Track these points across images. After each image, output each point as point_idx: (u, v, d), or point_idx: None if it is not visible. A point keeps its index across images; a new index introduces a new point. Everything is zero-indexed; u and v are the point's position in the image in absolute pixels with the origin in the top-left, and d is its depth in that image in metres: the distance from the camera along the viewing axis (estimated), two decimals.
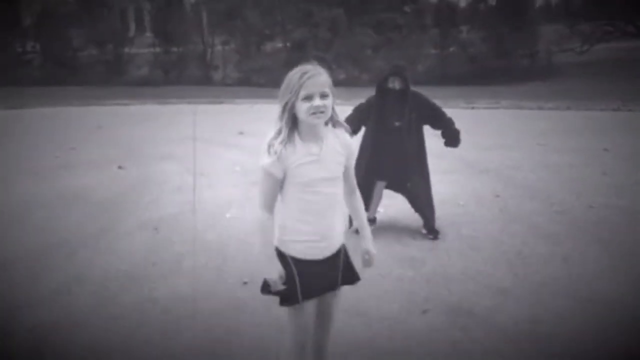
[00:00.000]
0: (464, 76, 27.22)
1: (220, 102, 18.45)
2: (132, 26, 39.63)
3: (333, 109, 2.32)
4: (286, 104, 2.27)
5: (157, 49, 34.86)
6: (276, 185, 2.32)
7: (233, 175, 7.56)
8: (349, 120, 4.53)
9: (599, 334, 3.35)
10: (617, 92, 17.31)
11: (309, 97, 2.23)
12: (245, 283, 4.13)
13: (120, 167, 8.08)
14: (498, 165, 7.66)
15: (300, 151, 2.30)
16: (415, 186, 4.92)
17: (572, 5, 35.59)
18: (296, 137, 2.30)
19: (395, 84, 4.73)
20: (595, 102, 15.01)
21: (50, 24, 33.69)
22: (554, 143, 9.17)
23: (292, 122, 2.29)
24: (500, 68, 27.65)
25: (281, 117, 2.28)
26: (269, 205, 2.34)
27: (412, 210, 5.14)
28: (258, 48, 33.67)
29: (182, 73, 32.53)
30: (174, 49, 34.38)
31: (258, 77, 31.03)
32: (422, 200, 4.97)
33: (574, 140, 9.35)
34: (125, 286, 4.16)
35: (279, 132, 2.28)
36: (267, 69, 31.30)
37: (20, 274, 4.44)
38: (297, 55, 31.53)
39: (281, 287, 2.36)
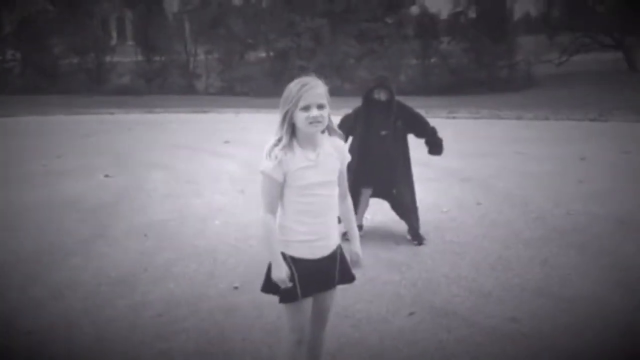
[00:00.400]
0: (445, 86, 27.63)
1: (205, 112, 18.53)
2: (114, 35, 39.56)
3: (329, 117, 2.50)
4: (286, 113, 2.45)
5: (140, 58, 34.83)
6: (277, 189, 2.49)
7: (221, 183, 7.66)
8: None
9: (577, 332, 3.52)
10: (594, 102, 17.75)
11: (306, 108, 2.42)
12: (236, 288, 4.24)
13: (107, 176, 8.14)
14: (479, 173, 7.86)
15: (298, 157, 2.47)
16: (401, 193, 5.08)
17: (551, 17, 36.27)
18: (295, 144, 2.48)
19: (380, 95, 4.91)
20: (573, 112, 15.38)
21: (30, 32, 33.51)
22: (533, 152, 9.42)
23: (292, 130, 2.47)
24: (480, 78, 28.13)
25: (281, 126, 2.46)
26: (272, 208, 2.51)
27: (397, 216, 5.30)
28: (241, 57, 33.81)
29: (165, 82, 32.55)
30: (157, 58, 34.38)
31: (241, 86, 31.17)
32: (407, 207, 5.13)
33: (552, 149, 9.61)
34: (118, 291, 4.25)
35: (279, 140, 2.46)
36: (250, 78, 31.47)
37: (12, 279, 4.51)
38: (280, 64, 31.76)
39: (289, 284, 2.50)
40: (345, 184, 2.67)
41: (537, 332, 3.53)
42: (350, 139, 5.04)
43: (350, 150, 5.00)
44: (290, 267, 2.51)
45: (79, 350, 3.46)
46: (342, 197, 2.66)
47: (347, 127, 4.94)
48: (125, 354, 3.41)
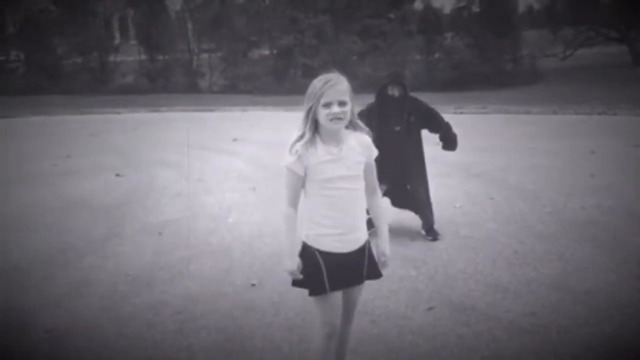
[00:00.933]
0: (450, 82, 27.54)
1: (211, 110, 18.53)
2: (117, 34, 39.56)
3: (353, 113, 2.52)
4: (309, 109, 2.48)
5: (143, 57, 34.86)
6: (298, 182, 2.53)
7: (231, 181, 7.66)
8: None
9: (595, 325, 3.52)
10: (601, 96, 17.68)
11: (328, 105, 2.45)
12: (253, 285, 4.25)
13: (117, 175, 8.15)
14: (490, 168, 7.85)
15: (320, 151, 2.51)
16: (415, 188, 5.08)
17: (555, 11, 36.15)
18: (318, 139, 2.51)
19: (394, 91, 4.91)
20: (580, 106, 15.33)
21: (33, 32, 33.55)
22: (543, 146, 9.39)
23: (315, 126, 2.50)
24: (485, 73, 28.02)
25: (305, 121, 2.50)
26: (293, 201, 2.56)
27: (410, 212, 5.30)
28: (244, 55, 33.79)
29: (169, 81, 32.55)
30: (160, 57, 34.38)
31: (245, 84, 31.14)
32: (421, 202, 5.12)
33: (561, 143, 9.58)
34: (135, 289, 4.26)
35: (302, 135, 2.50)
36: (254, 75, 31.45)
37: (30, 278, 4.53)
38: (284, 62, 31.75)
39: (299, 276, 2.56)
40: (374, 180, 2.67)
41: (555, 325, 3.53)
42: None
43: None
44: (317, 261, 2.53)
45: (99, 348, 3.48)
46: (370, 192, 2.66)
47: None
48: (145, 350, 3.43)
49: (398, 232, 5.26)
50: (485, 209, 5.94)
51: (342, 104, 2.45)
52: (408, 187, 5.07)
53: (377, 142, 4.93)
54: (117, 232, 5.62)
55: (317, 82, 2.48)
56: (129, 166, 8.87)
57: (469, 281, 4.20)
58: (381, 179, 5.00)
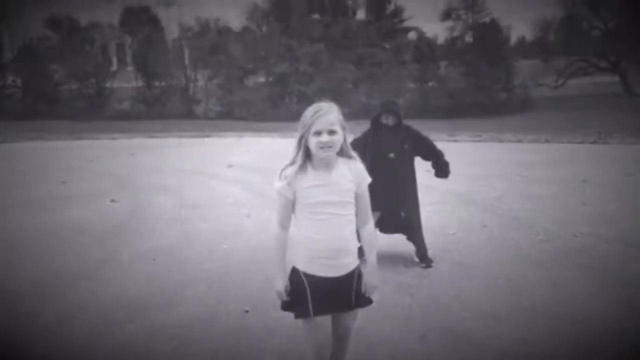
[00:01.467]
0: (444, 109, 27.87)
1: (207, 136, 18.61)
2: (114, 60, 39.89)
3: (345, 142, 2.61)
4: (301, 138, 2.58)
5: (140, 83, 35.12)
6: (288, 205, 2.62)
7: (226, 207, 7.69)
8: None
9: (588, 353, 3.54)
10: (593, 125, 17.87)
11: (318, 133, 2.54)
12: (246, 311, 4.25)
13: (113, 200, 8.17)
14: (483, 195, 7.91)
15: (310, 176, 2.59)
16: (409, 215, 5.12)
17: (547, 41, 36.69)
18: (308, 165, 2.60)
19: (388, 120, 4.99)
20: (572, 135, 15.50)
21: (31, 58, 33.80)
22: (535, 174, 9.48)
23: (306, 153, 2.59)
24: (479, 102, 28.38)
25: (297, 149, 2.59)
26: (283, 223, 2.65)
27: (403, 238, 5.33)
28: (241, 82, 34.09)
29: (165, 107, 32.77)
30: (156, 84, 34.66)
31: (240, 111, 31.39)
32: (415, 229, 5.16)
33: (554, 172, 9.68)
34: (129, 314, 4.25)
35: (293, 161, 2.59)
36: (249, 102, 31.72)
37: (24, 302, 4.51)
38: (279, 88, 32.05)
39: (286, 298, 2.63)
40: (367, 210, 2.71)
41: (548, 354, 3.54)
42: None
43: None
44: (303, 283, 2.59)
45: None
46: (362, 223, 2.70)
47: (357, 150, 5.01)
48: None
49: (391, 259, 5.29)
50: (479, 237, 5.98)
51: (331, 132, 2.54)
52: (402, 213, 5.11)
53: (372, 169, 5.01)
54: (112, 257, 5.61)
55: (308, 112, 2.57)
56: (125, 192, 8.89)
57: (462, 308, 4.22)
58: (375, 205, 5.09)
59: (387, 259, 5.28)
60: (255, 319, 4.12)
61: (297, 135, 2.59)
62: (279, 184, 2.59)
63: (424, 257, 5.12)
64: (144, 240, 6.17)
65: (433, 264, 5.09)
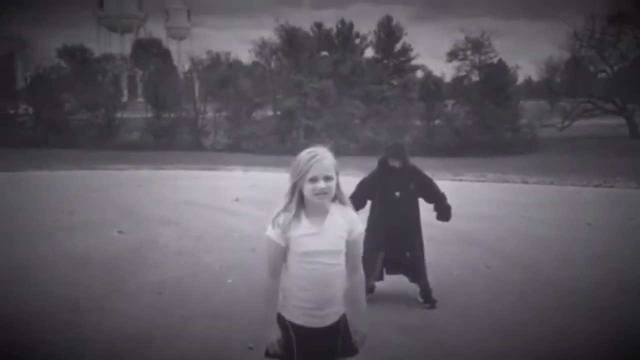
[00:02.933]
0: (450, 148, 27.99)
1: (214, 169, 18.78)
2: (125, 92, 40.46)
3: (338, 187, 2.56)
4: (295, 184, 2.53)
5: (149, 115, 35.53)
6: (279, 254, 2.56)
7: (232, 241, 7.75)
8: (354, 196, 4.91)
9: None
10: (598, 167, 17.92)
11: (314, 179, 2.49)
12: (250, 348, 4.27)
13: (120, 232, 8.25)
14: (488, 236, 7.95)
15: (303, 224, 2.54)
16: (415, 256, 5.17)
17: (553, 82, 37.02)
18: (302, 213, 2.55)
19: (395, 162, 5.10)
20: (577, 177, 15.56)
21: (43, 87, 34.33)
22: (539, 216, 9.52)
23: (300, 199, 2.54)
24: (485, 141, 28.51)
25: (290, 194, 2.55)
26: (274, 272, 2.59)
27: (407, 279, 5.37)
28: (249, 115, 34.45)
29: (173, 139, 33.07)
30: (166, 115, 35.06)
31: (247, 144, 31.64)
32: (420, 270, 5.21)
33: (558, 214, 9.72)
34: (134, 348, 4.28)
35: (286, 208, 2.55)
36: (257, 135, 31.98)
37: (28, 333, 4.55)
38: (287, 123, 32.34)
39: (278, 350, 2.56)
40: (358, 257, 2.66)
41: None
42: (369, 203, 5.20)
43: (371, 214, 5.19)
44: (289, 334, 2.55)
45: None
46: (351, 271, 2.64)
47: (364, 192, 5.15)
48: None
49: (395, 299, 5.32)
50: (482, 278, 6.01)
51: (327, 179, 2.50)
52: (408, 254, 5.17)
53: (379, 209, 5.15)
54: (117, 289, 5.66)
55: (303, 157, 2.52)
56: (132, 223, 8.97)
57: (465, 350, 4.24)
58: (381, 245, 5.17)
59: (390, 299, 5.31)
60: (259, 355, 4.12)
61: (290, 181, 2.55)
62: (272, 232, 2.54)
63: (428, 298, 5.15)
64: (150, 273, 6.22)
65: (436, 305, 5.11)
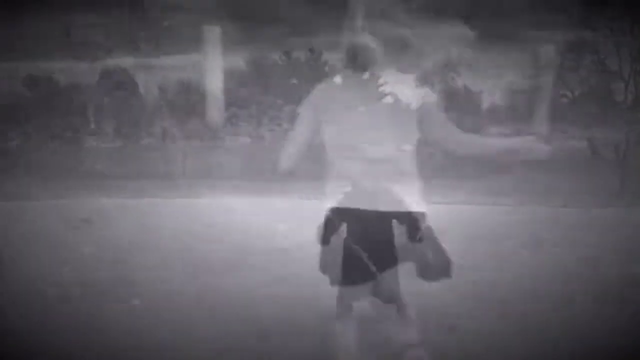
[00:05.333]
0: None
1: (185, 197, 18.63)
2: (92, 119, 39.92)
3: None
4: None
5: (118, 144, 35.14)
6: None
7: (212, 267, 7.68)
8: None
9: None
10: (562, 188, 18.27)
11: None
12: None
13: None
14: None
15: None
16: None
17: (516, 108, 37.75)
18: None
19: None
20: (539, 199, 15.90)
21: (6, 116, 33.71)
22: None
23: None
24: (451, 164, 28.86)
25: None
26: None
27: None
28: (220, 142, 34.29)
29: (142, 167, 32.70)
30: (133, 144, 34.71)
31: (218, 171, 31.45)
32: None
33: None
34: None
35: None
36: (229, 162, 31.80)
37: None
38: (259, 149, 32.28)
39: None
40: None
41: None
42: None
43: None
44: None
45: None
46: None
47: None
48: None
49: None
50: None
51: None
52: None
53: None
54: None
55: None
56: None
57: None
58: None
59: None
60: None
61: None
62: None
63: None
64: None
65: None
